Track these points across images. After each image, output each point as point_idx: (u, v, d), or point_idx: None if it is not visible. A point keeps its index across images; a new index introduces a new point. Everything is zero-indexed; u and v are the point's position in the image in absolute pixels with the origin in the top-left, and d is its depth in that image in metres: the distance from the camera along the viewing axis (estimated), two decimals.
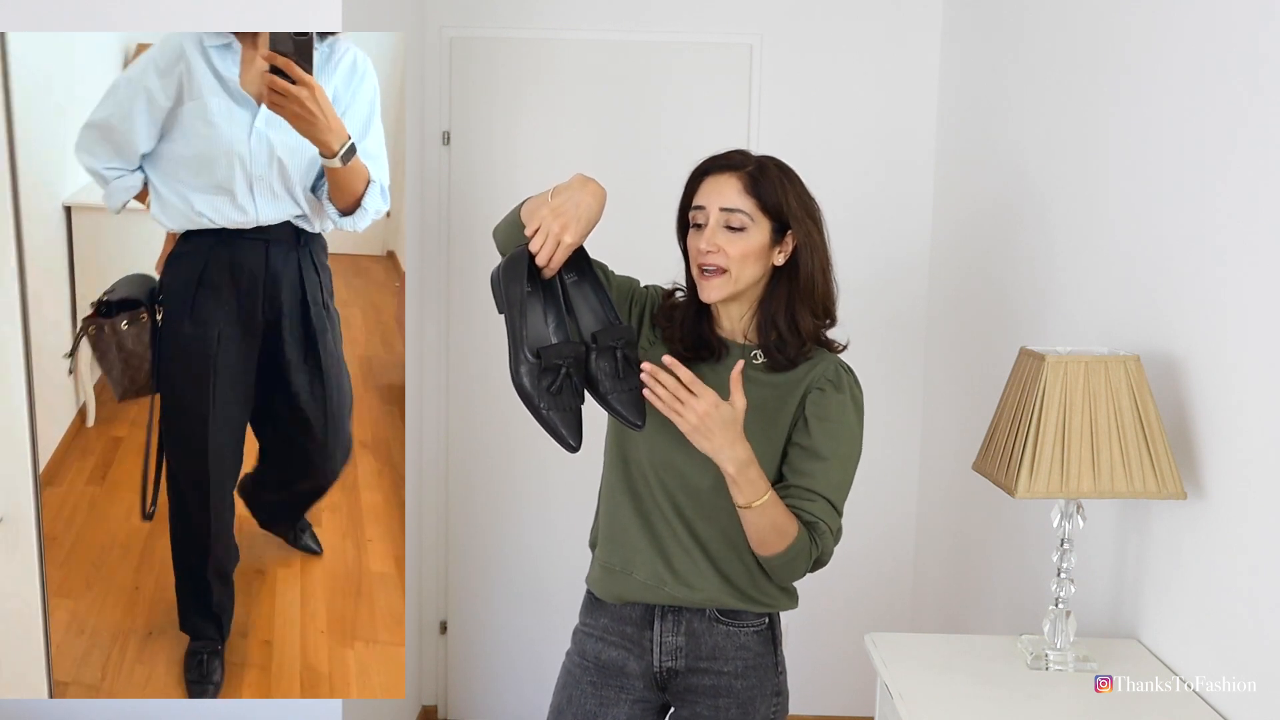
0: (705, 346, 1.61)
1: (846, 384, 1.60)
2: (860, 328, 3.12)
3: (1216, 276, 1.59)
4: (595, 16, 3.06)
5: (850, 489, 1.59)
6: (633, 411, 1.49)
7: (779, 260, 1.57)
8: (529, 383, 1.46)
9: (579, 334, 1.55)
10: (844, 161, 3.08)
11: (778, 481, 1.57)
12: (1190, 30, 1.69)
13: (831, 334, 1.65)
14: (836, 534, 1.57)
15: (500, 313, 1.50)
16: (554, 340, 1.51)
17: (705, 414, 1.40)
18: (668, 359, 1.43)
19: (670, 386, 1.41)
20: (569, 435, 1.47)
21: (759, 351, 1.60)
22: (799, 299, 1.57)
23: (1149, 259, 1.80)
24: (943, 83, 3.04)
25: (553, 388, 1.46)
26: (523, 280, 1.48)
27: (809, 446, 1.56)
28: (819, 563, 1.56)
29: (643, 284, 1.71)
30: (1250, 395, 1.49)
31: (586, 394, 1.51)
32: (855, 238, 3.11)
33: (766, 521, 1.48)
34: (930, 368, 3.10)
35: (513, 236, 1.58)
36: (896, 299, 3.13)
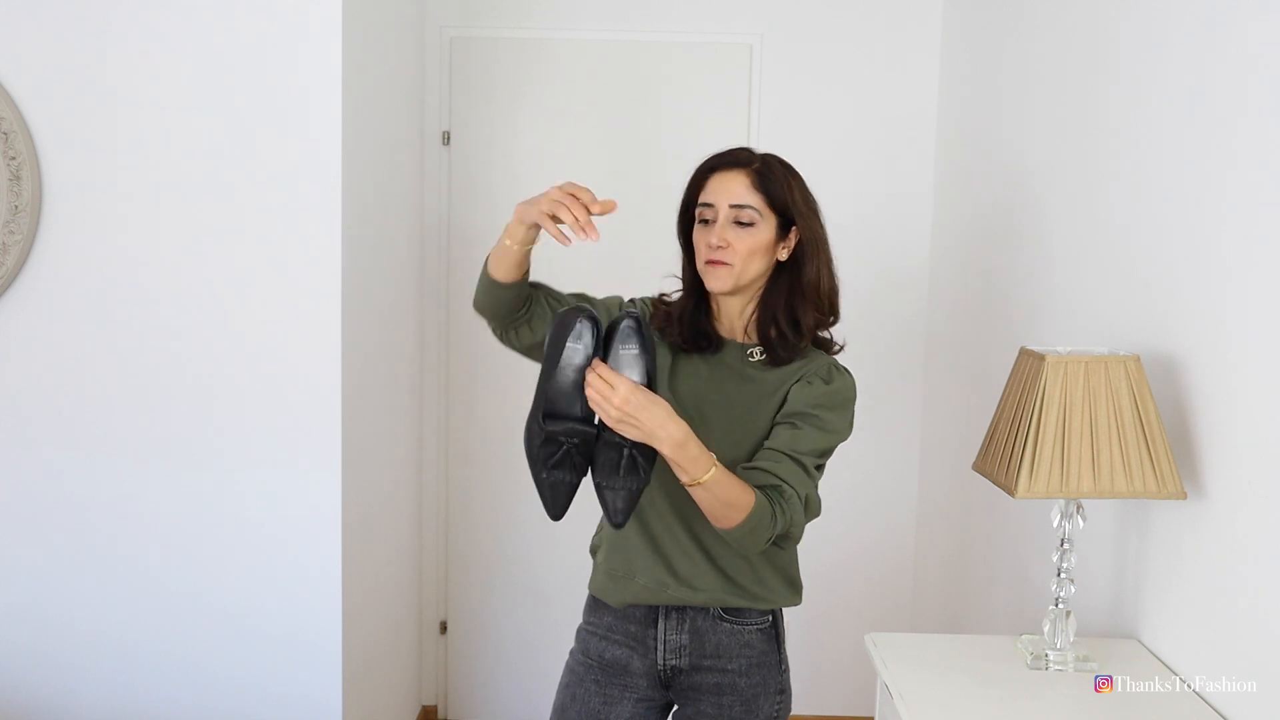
0: (703, 338, 1.61)
1: (836, 377, 1.60)
2: (860, 327, 3.14)
3: (1216, 276, 1.59)
4: (595, 16, 3.06)
5: (827, 461, 1.58)
6: (618, 511, 1.47)
7: (783, 256, 1.59)
8: (534, 444, 1.46)
9: None
10: (844, 161, 3.08)
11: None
12: (1189, 30, 1.69)
13: (832, 334, 1.65)
14: (808, 504, 1.53)
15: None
16: (577, 410, 1.46)
17: (625, 399, 1.39)
18: (596, 362, 1.42)
19: (594, 383, 1.40)
20: (551, 506, 1.48)
21: (755, 349, 1.61)
22: (801, 295, 1.59)
23: (1149, 259, 1.80)
24: (943, 82, 3.04)
25: (551, 460, 1.46)
26: (564, 340, 1.44)
27: (786, 413, 1.56)
28: (788, 536, 1.54)
29: (627, 297, 1.73)
30: (1250, 395, 1.49)
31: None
32: (855, 237, 3.11)
33: (715, 497, 1.44)
34: (930, 367, 3.10)
35: (488, 292, 1.61)
36: (897, 298, 3.13)
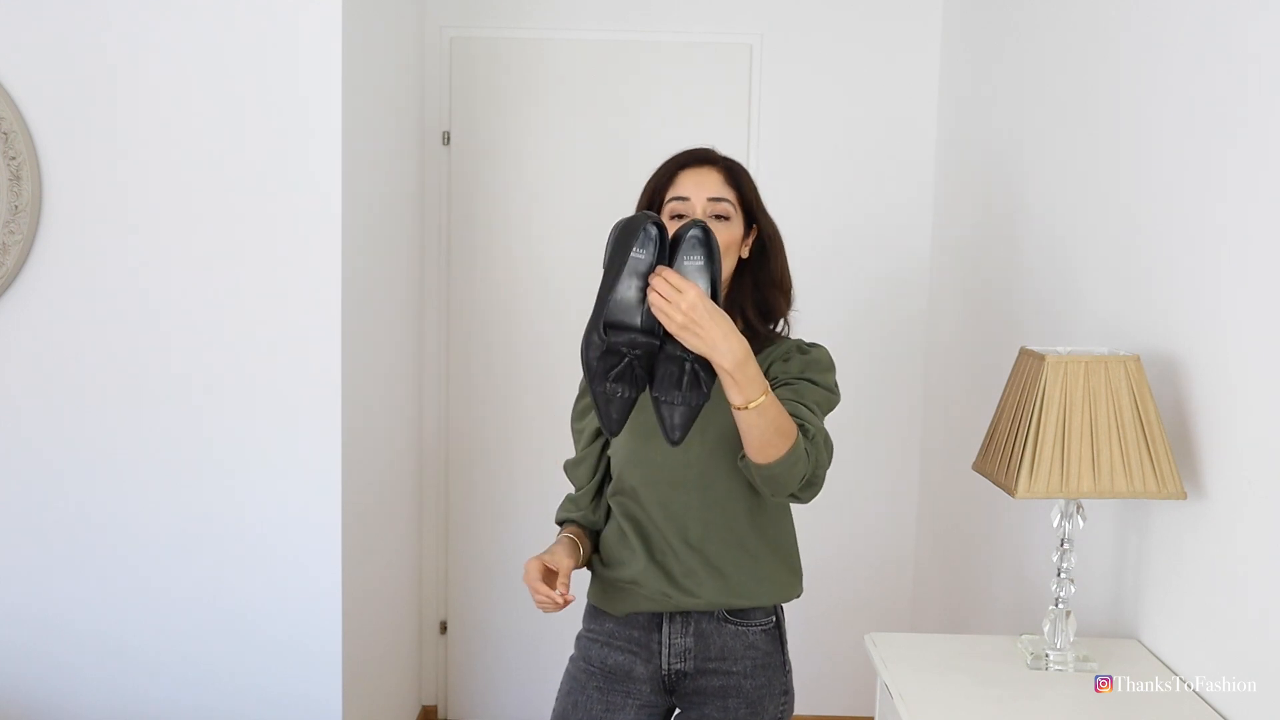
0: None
1: (811, 348, 1.63)
2: (861, 326, 3.14)
3: (1216, 276, 1.59)
4: (595, 16, 3.06)
5: (827, 416, 1.57)
6: (675, 426, 1.41)
7: (744, 254, 1.63)
8: (592, 355, 1.38)
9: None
10: (844, 161, 3.08)
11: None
12: (1188, 29, 1.69)
13: (797, 327, 1.71)
14: (828, 445, 1.51)
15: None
16: (638, 321, 1.39)
17: (692, 305, 1.32)
18: (661, 267, 1.37)
19: (659, 288, 1.34)
20: (607, 420, 1.41)
21: None
22: (771, 285, 1.63)
23: (1149, 259, 1.80)
24: (943, 82, 3.04)
25: (612, 373, 1.38)
26: (630, 246, 1.36)
27: (781, 382, 1.55)
28: (813, 483, 1.50)
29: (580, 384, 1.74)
30: (1250, 395, 1.49)
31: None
32: (855, 237, 3.11)
33: (768, 421, 1.38)
34: (930, 367, 3.10)
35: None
36: (897, 297, 3.13)
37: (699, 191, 1.58)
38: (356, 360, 2.38)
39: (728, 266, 1.59)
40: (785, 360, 1.60)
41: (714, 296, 1.40)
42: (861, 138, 3.09)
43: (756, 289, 1.63)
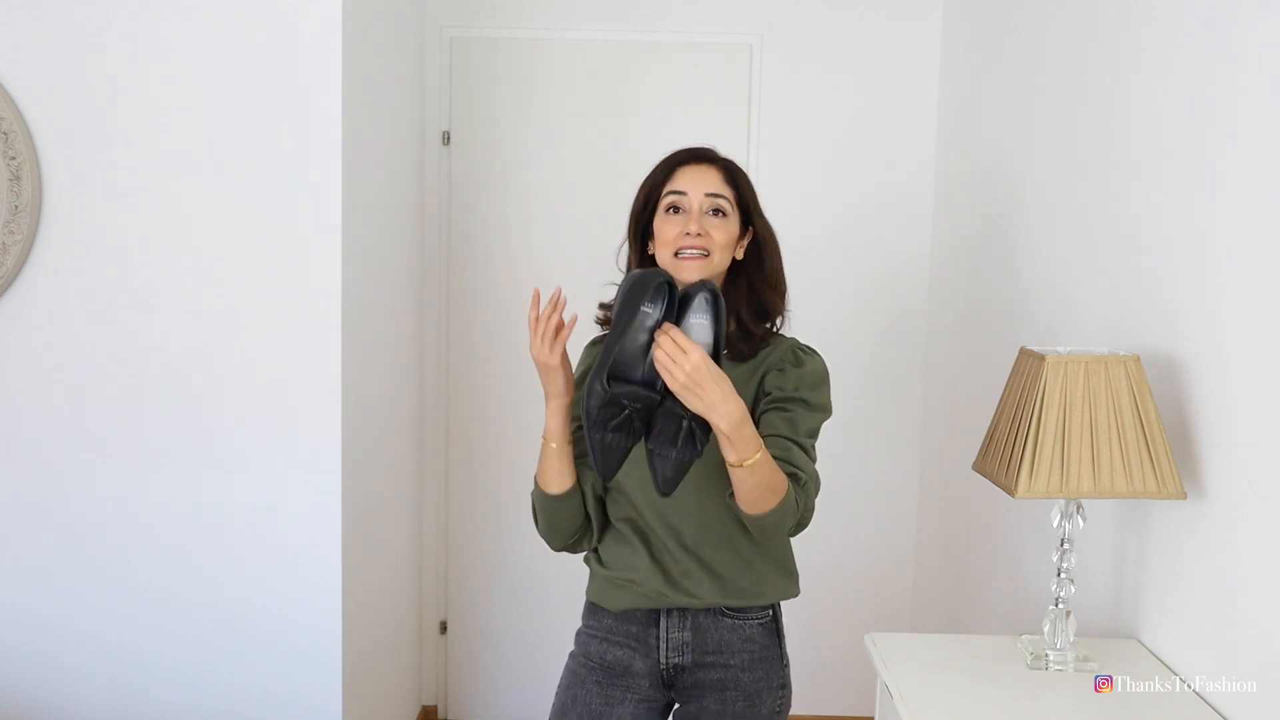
0: None
1: (806, 357, 1.62)
2: (861, 326, 3.14)
3: (1216, 276, 1.59)
4: (595, 16, 3.06)
5: (816, 441, 1.59)
6: (667, 480, 1.45)
7: (739, 254, 1.62)
8: (594, 404, 1.42)
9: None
10: (844, 160, 3.08)
11: None
12: (1189, 29, 1.69)
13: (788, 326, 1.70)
14: (815, 484, 1.55)
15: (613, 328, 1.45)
16: (639, 374, 1.44)
17: (696, 367, 1.36)
18: (667, 325, 1.40)
19: (666, 347, 1.38)
20: (603, 466, 1.46)
21: None
22: (766, 286, 1.62)
23: (1149, 259, 1.80)
24: (943, 82, 3.04)
25: (612, 423, 1.43)
26: (640, 301, 1.40)
27: (773, 400, 1.57)
28: (801, 522, 1.54)
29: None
30: (1250, 395, 1.49)
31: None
32: (856, 237, 3.11)
33: (759, 480, 1.43)
34: (930, 367, 3.10)
35: (547, 513, 1.63)
36: (897, 297, 3.13)
37: (697, 187, 1.58)
38: (356, 359, 2.38)
39: (725, 264, 1.59)
40: (780, 371, 1.59)
41: (716, 356, 1.44)
42: (861, 137, 3.09)
43: (751, 290, 1.62)
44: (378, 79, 2.54)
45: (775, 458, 1.50)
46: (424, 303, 3.11)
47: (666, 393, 1.42)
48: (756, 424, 1.55)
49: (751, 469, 1.42)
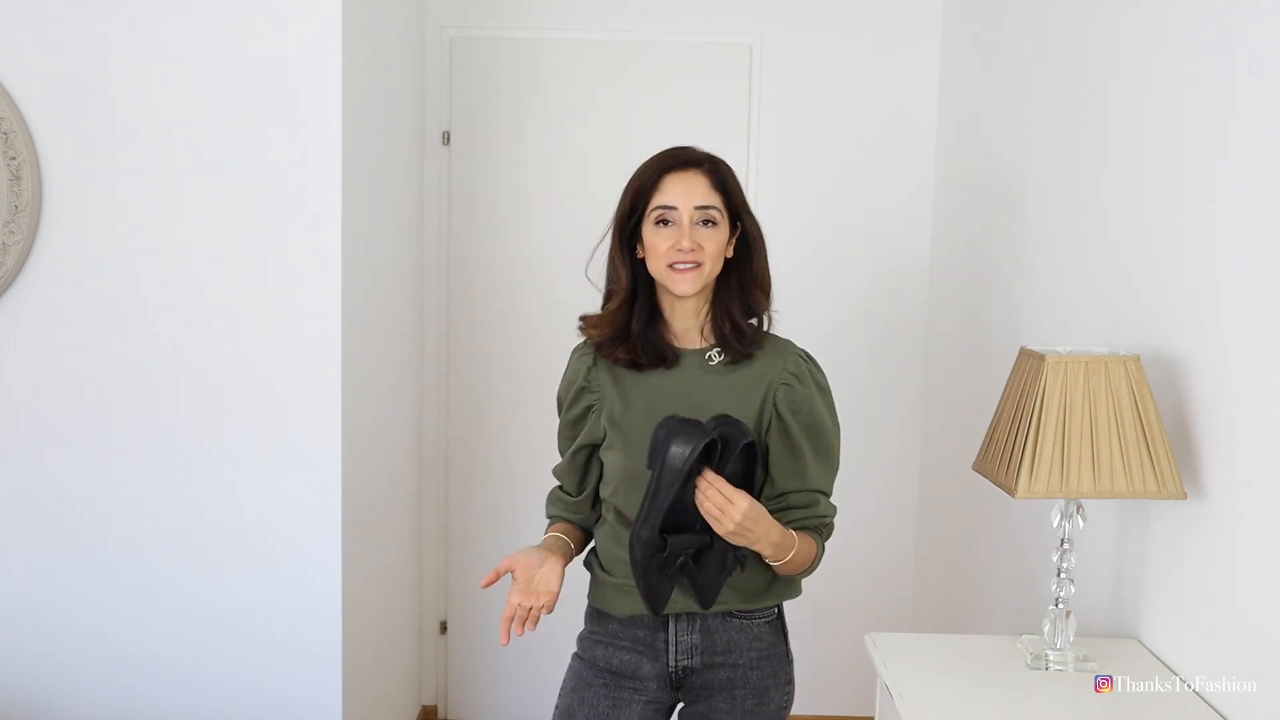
0: (660, 356, 1.62)
1: (809, 375, 1.62)
2: (860, 325, 3.14)
3: (1216, 276, 1.59)
4: (595, 16, 3.06)
5: (838, 470, 1.65)
6: (709, 599, 1.53)
7: (729, 253, 1.62)
8: (643, 553, 1.46)
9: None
10: (844, 160, 3.08)
11: (764, 488, 1.60)
12: (1188, 28, 1.69)
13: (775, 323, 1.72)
14: (834, 513, 1.64)
15: (648, 468, 1.46)
16: (696, 522, 1.47)
17: (745, 514, 1.43)
18: (709, 474, 1.44)
19: (713, 499, 1.43)
20: (652, 604, 1.50)
21: (713, 352, 1.62)
22: (754, 284, 1.62)
23: (1149, 259, 1.80)
24: (943, 82, 3.04)
25: (670, 570, 1.48)
26: (691, 453, 1.41)
27: (793, 448, 1.59)
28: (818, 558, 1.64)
29: (559, 391, 1.75)
30: (1250, 395, 1.49)
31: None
32: (855, 236, 3.11)
33: (797, 561, 1.56)
34: (930, 367, 3.10)
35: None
36: (897, 297, 3.13)
37: (686, 200, 1.56)
38: (356, 360, 2.38)
39: (718, 270, 1.60)
40: (798, 381, 1.60)
41: (752, 491, 1.51)
42: (862, 136, 3.09)
43: (741, 289, 1.63)
44: (378, 79, 2.54)
45: (805, 514, 1.59)
46: (424, 303, 3.10)
47: (710, 531, 1.48)
48: (772, 439, 1.59)
49: (791, 559, 1.54)
